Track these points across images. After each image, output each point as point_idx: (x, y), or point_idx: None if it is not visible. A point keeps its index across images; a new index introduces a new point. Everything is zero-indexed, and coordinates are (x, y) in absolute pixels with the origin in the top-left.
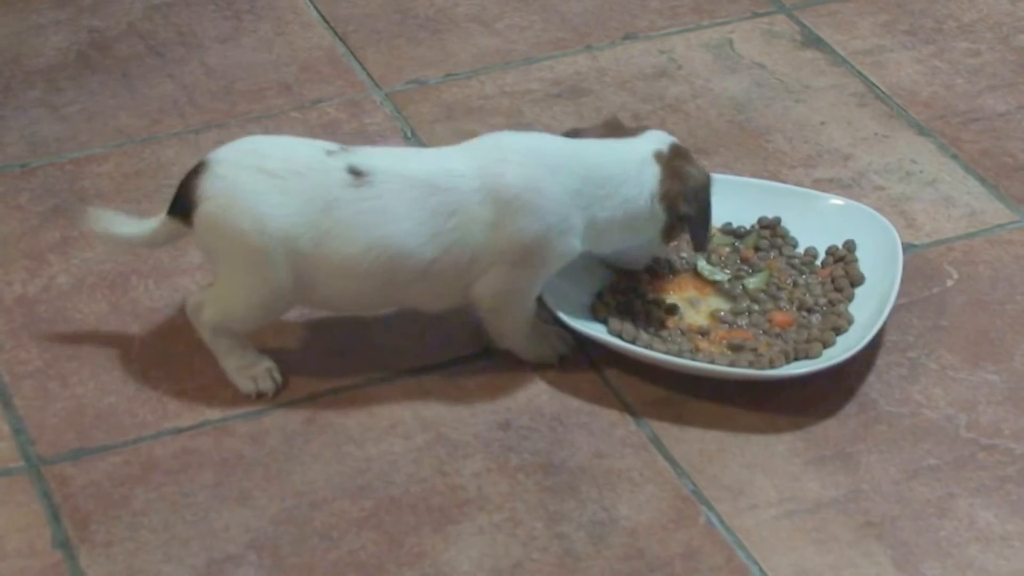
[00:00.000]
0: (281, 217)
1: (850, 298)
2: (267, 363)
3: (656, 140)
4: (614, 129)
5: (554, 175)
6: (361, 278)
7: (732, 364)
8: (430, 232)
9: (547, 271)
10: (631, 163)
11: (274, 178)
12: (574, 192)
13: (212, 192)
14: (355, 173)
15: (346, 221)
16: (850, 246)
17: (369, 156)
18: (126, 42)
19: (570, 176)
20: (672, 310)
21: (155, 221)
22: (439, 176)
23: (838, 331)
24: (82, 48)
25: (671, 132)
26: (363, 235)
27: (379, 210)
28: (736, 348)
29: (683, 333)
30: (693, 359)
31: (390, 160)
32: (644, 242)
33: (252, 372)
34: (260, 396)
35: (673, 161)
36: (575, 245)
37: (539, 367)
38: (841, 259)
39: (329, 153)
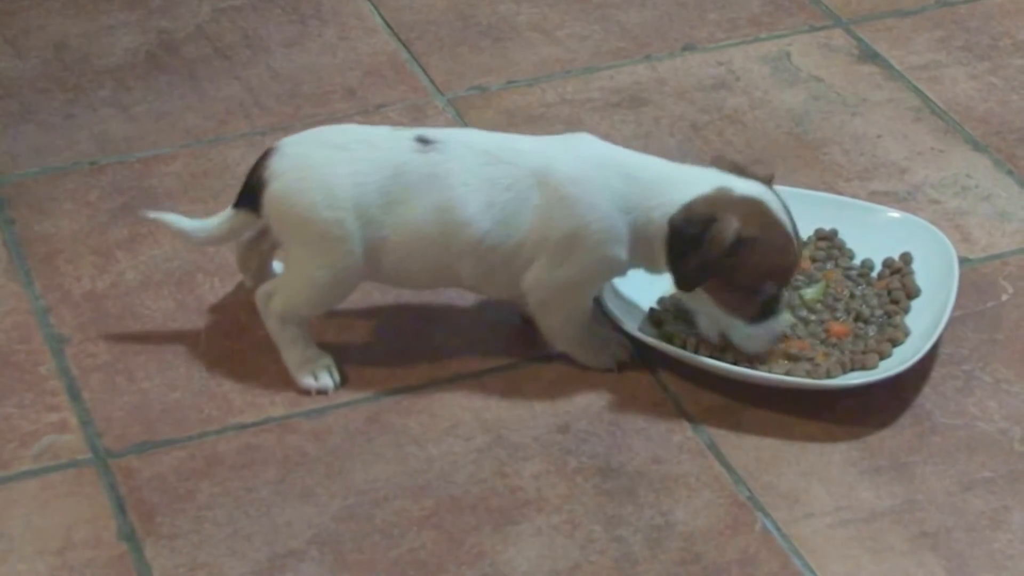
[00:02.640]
0: (352, 186)
1: (906, 310)
2: (327, 360)
3: (745, 185)
4: (741, 170)
5: (602, 172)
6: (423, 245)
7: (789, 373)
8: (485, 201)
9: (591, 274)
10: (688, 182)
11: (342, 150)
12: (616, 192)
13: (282, 169)
14: (423, 141)
15: (413, 185)
16: (907, 258)
17: (438, 130)
18: (194, 44)
19: (618, 176)
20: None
21: (220, 216)
22: (502, 149)
23: (894, 343)
24: (151, 49)
25: (729, 143)
26: (428, 199)
27: (444, 174)
28: (793, 358)
29: None
30: (750, 368)
31: (457, 133)
32: None
33: (312, 367)
34: (320, 393)
35: (727, 198)
36: (618, 252)
37: (598, 372)
38: (897, 271)
39: (396, 129)
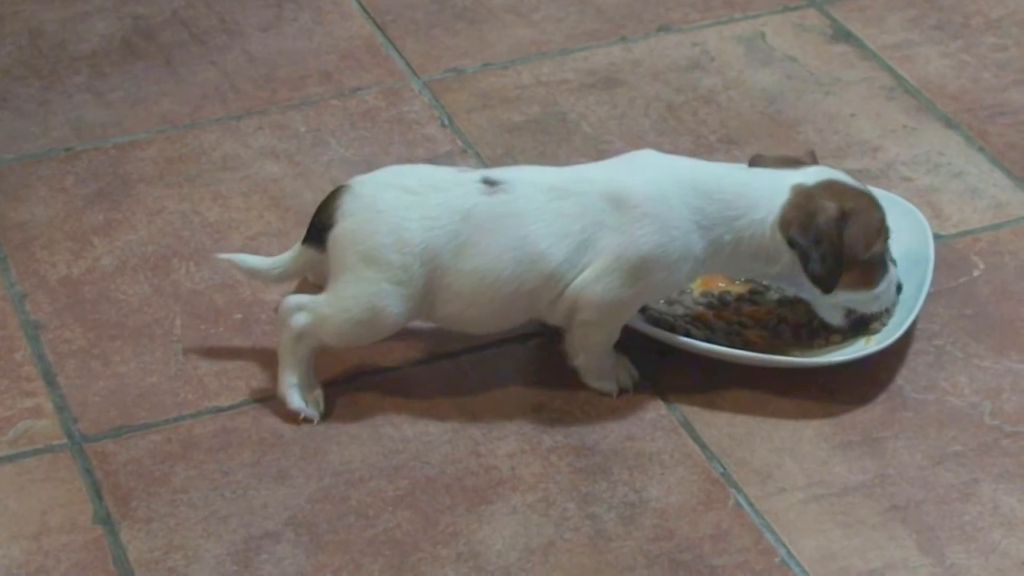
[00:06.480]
0: (422, 231)
1: None
2: (318, 391)
3: (808, 174)
4: (789, 162)
5: (679, 188)
6: (495, 285)
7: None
8: (558, 233)
9: (656, 291)
10: (765, 189)
11: (413, 194)
12: (694, 208)
13: (353, 210)
14: (489, 183)
15: (484, 226)
16: None
17: (501, 170)
18: (170, 29)
19: (694, 192)
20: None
21: (290, 252)
22: (569, 181)
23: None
24: (126, 35)
25: (704, 123)
26: (500, 238)
27: (514, 213)
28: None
29: (699, 307)
30: (727, 346)
31: (521, 171)
32: (779, 272)
33: (305, 394)
34: (305, 420)
35: (810, 191)
36: (688, 270)
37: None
38: None
39: (461, 171)
